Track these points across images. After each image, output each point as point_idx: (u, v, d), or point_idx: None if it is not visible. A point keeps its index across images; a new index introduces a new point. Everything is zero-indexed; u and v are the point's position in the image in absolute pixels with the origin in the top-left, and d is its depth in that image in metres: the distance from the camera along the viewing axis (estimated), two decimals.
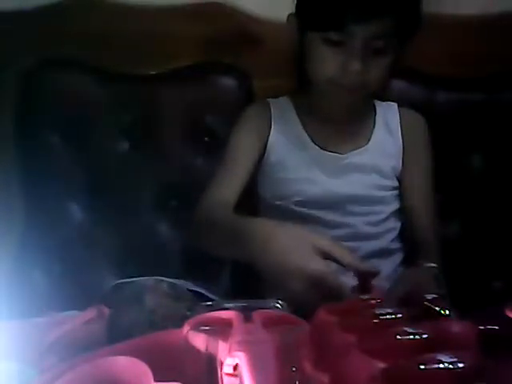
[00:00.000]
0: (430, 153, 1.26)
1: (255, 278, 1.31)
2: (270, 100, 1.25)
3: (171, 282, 0.86)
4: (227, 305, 0.67)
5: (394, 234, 1.20)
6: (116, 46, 1.36)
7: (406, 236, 1.22)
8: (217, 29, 1.37)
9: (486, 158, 1.40)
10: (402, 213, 1.22)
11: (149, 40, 1.36)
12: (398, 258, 1.20)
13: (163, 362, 0.57)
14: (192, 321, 0.63)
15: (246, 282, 1.32)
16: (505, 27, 1.39)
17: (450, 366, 0.51)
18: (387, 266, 1.17)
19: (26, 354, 0.67)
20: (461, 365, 0.51)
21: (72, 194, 1.35)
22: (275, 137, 1.20)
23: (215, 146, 1.36)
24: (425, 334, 0.56)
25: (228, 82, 1.38)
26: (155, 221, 1.37)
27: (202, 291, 0.89)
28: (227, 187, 1.16)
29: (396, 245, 1.20)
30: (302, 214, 1.17)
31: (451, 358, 0.51)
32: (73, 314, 0.91)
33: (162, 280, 0.85)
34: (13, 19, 1.33)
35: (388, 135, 1.23)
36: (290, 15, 1.17)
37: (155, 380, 0.53)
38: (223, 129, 1.35)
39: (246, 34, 1.37)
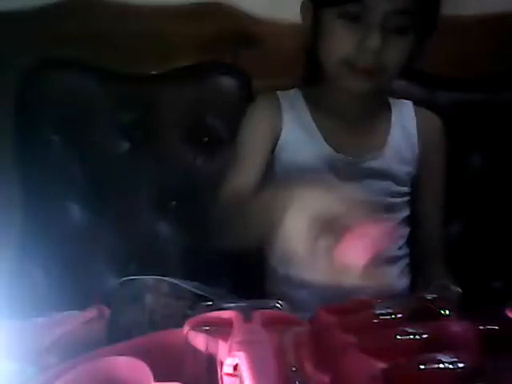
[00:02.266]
0: (444, 158, 1.22)
1: (255, 279, 1.31)
2: (279, 93, 1.19)
3: (172, 282, 0.86)
4: (227, 305, 0.67)
5: (403, 241, 1.17)
6: (116, 46, 1.36)
7: (414, 241, 1.19)
8: (217, 29, 1.37)
9: (486, 157, 1.40)
10: (411, 219, 1.19)
11: (149, 40, 1.36)
12: (403, 263, 1.18)
13: (163, 361, 0.57)
14: (192, 321, 0.63)
15: (246, 282, 1.32)
16: (505, 27, 1.39)
17: (450, 366, 0.51)
18: (392, 272, 1.15)
19: (25, 354, 0.67)
20: (461, 365, 0.51)
21: (72, 194, 1.35)
22: (287, 133, 1.15)
23: (215, 145, 1.36)
24: (425, 334, 0.56)
25: (228, 82, 1.37)
26: (155, 221, 1.37)
27: (202, 291, 0.89)
28: (246, 175, 1.10)
29: (403, 251, 1.17)
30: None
31: (451, 357, 0.51)
32: (73, 314, 0.91)
33: (163, 279, 0.85)
34: (13, 19, 1.33)
35: (405, 138, 1.18)
36: (303, 1, 1.12)
37: (155, 380, 0.53)
38: (223, 129, 1.35)
39: (246, 33, 1.36)
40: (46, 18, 1.34)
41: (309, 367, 0.59)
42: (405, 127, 1.19)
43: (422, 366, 0.51)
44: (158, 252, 1.36)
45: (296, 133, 1.15)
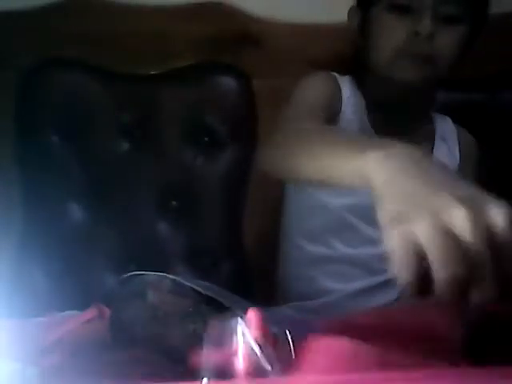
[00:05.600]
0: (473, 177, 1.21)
1: (254, 279, 1.31)
2: (335, 74, 1.14)
3: (174, 279, 0.86)
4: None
5: None
6: (116, 46, 1.36)
7: None
8: (217, 29, 1.37)
9: (486, 157, 1.40)
10: None
11: (149, 40, 1.36)
12: None
13: None
14: None
15: (245, 281, 1.32)
16: (505, 27, 1.39)
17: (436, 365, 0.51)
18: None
19: (26, 354, 0.67)
20: (446, 363, 0.51)
21: (72, 194, 1.35)
22: (344, 115, 1.10)
23: (215, 146, 1.36)
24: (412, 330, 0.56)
25: (228, 81, 1.37)
26: (155, 221, 1.37)
27: (203, 290, 0.89)
28: (305, 121, 0.97)
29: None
30: (347, 220, 1.08)
31: (438, 359, 0.51)
32: (73, 314, 0.91)
33: (165, 276, 0.86)
34: (13, 19, 1.33)
35: (448, 155, 1.18)
36: (351, 7, 1.13)
37: None
38: (223, 129, 1.35)
39: (246, 33, 1.37)
40: (46, 17, 1.34)
41: None
42: (447, 143, 1.19)
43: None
44: (158, 252, 1.36)
45: (351, 119, 1.10)
